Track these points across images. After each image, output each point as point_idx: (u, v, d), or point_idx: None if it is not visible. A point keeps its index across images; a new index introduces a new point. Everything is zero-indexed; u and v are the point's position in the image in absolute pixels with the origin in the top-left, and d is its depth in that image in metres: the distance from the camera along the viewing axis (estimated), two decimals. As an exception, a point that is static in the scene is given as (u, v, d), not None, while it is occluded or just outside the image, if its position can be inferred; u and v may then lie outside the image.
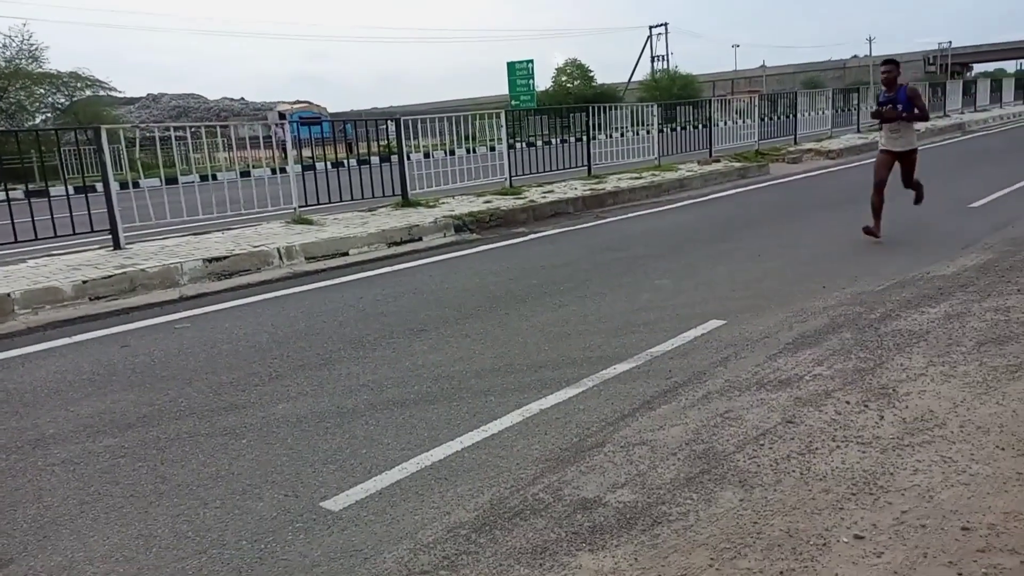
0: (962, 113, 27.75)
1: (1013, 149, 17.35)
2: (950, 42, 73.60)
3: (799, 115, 19.10)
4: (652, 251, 7.55)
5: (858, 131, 21.23)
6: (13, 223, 7.31)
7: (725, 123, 16.89)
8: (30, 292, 6.16)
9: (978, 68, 77.60)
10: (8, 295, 6.04)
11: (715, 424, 3.33)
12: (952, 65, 70.95)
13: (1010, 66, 77.10)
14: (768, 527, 2.49)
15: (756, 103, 17.84)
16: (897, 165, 7.47)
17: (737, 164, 14.60)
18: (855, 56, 79.46)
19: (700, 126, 16.29)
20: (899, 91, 7.24)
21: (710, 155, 15.70)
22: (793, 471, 2.86)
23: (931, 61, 73.23)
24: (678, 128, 16.13)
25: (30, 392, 4.29)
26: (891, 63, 7.36)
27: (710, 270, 6.46)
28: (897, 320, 4.64)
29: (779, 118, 18.79)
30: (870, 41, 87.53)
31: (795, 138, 18.61)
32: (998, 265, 5.86)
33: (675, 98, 40.22)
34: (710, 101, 17.73)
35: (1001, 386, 3.50)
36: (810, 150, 17.09)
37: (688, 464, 2.98)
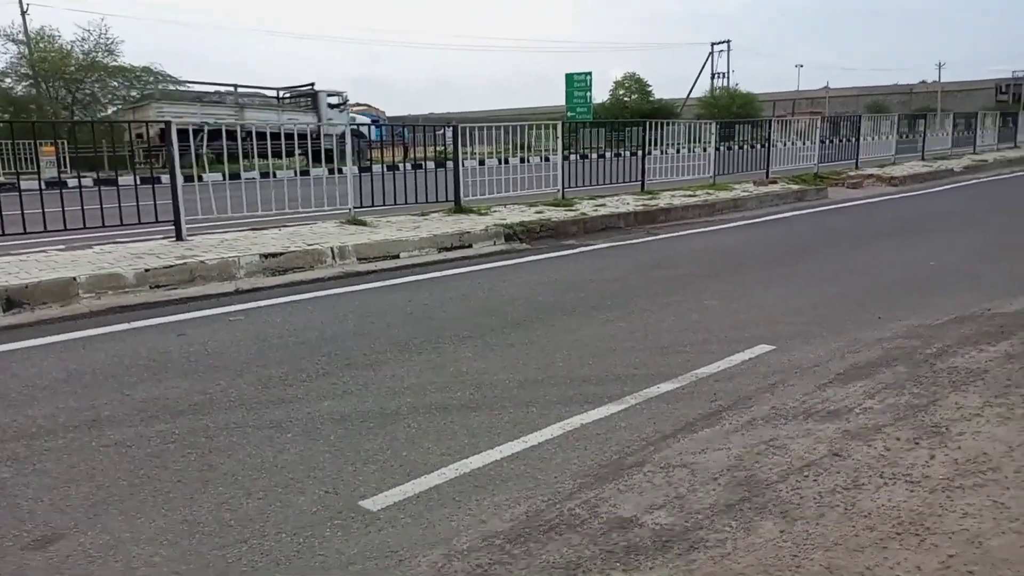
0: (1035, 145, 26.77)
1: (1088, 185, 16.67)
2: (1025, 70, 71.09)
3: (862, 139, 18.68)
4: (703, 270, 7.47)
5: (923, 159, 20.66)
6: (83, 210, 7.62)
7: (784, 144, 16.62)
8: (95, 277, 6.40)
9: (1055, 99, 74.81)
10: (74, 279, 6.29)
11: (759, 452, 3.28)
12: (1026, 94, 68.54)
13: (1089, 98, 74.09)
14: (808, 561, 2.44)
15: (818, 125, 17.52)
16: None
17: (795, 186, 14.34)
18: (923, 81, 77.35)
19: (758, 146, 16.08)
20: None
21: (767, 176, 15.46)
22: (837, 506, 2.79)
23: (1003, 90, 70.80)
24: (735, 147, 15.93)
25: (89, 374, 4.46)
26: None
27: (762, 293, 6.36)
28: (954, 357, 4.50)
29: (841, 142, 18.41)
30: (939, 67, 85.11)
31: (856, 163, 18.21)
32: (1066, 305, 5.63)
33: (734, 116, 39.75)
34: (770, 121, 17.46)
35: (1063, 432, 3.37)
36: (871, 176, 16.69)
37: (729, 490, 2.94)
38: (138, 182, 8.41)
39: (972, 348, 4.65)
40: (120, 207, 7.98)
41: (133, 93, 33.91)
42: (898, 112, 26.93)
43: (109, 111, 33.75)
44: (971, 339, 4.85)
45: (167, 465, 3.27)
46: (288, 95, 32.17)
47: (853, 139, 18.53)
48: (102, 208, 7.81)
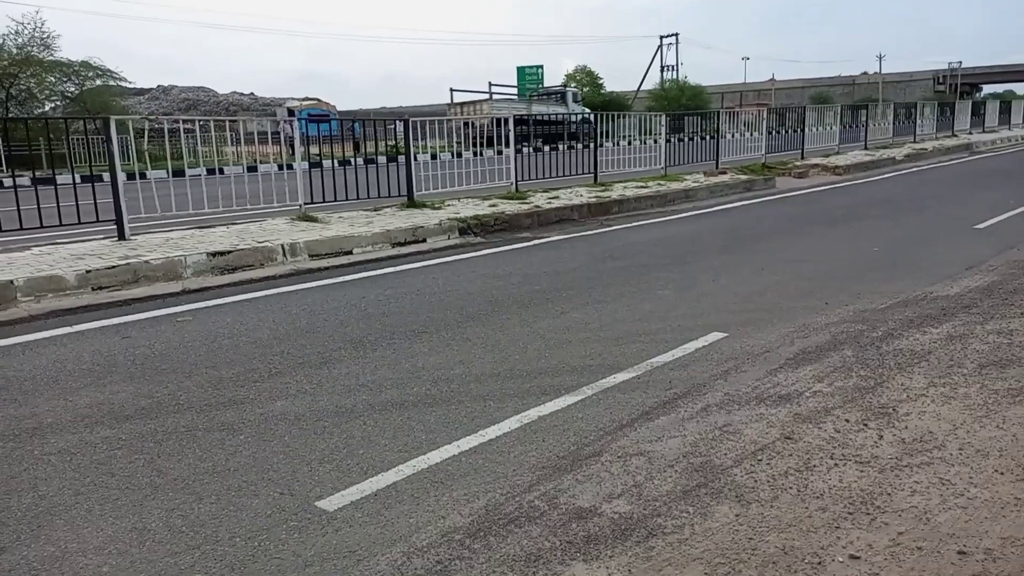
0: (970, 133, 27.76)
1: (1021, 171, 17.34)
2: (960, 62, 73.77)
3: (807, 130, 19.10)
4: (656, 261, 7.55)
5: (865, 148, 21.22)
6: (19, 210, 7.33)
7: (732, 135, 16.90)
8: (33, 280, 6.17)
9: (987, 89, 77.98)
10: (11, 282, 6.05)
11: (713, 437, 3.32)
12: (961, 85, 71.13)
13: (1020, 88, 77.26)
14: (763, 543, 2.48)
15: (764, 116, 17.84)
16: None
17: (743, 177, 14.59)
18: (864, 73, 79.60)
19: (708, 137, 16.30)
20: None
21: (716, 167, 15.70)
22: (790, 488, 2.85)
23: (940, 80, 73.39)
24: (685, 139, 16.13)
25: (29, 380, 4.29)
26: None
27: (713, 282, 6.46)
28: (899, 339, 4.63)
29: (787, 132, 18.81)
30: (880, 58, 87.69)
31: (802, 153, 18.61)
32: (1002, 287, 5.85)
33: (683, 108, 40.27)
34: (718, 113, 17.74)
35: (1001, 410, 3.49)
36: (817, 165, 17.08)
37: (685, 477, 2.97)
38: (78, 180, 8.13)
39: (916, 331, 4.79)
40: (59, 207, 7.69)
41: (71, 88, 32.80)
42: (841, 103, 27.67)
43: (47, 107, 32.60)
44: (914, 322, 5.00)
45: (114, 472, 3.16)
46: (541, 93, 39.25)
47: (799, 130, 18.93)
48: (40, 208, 7.52)
